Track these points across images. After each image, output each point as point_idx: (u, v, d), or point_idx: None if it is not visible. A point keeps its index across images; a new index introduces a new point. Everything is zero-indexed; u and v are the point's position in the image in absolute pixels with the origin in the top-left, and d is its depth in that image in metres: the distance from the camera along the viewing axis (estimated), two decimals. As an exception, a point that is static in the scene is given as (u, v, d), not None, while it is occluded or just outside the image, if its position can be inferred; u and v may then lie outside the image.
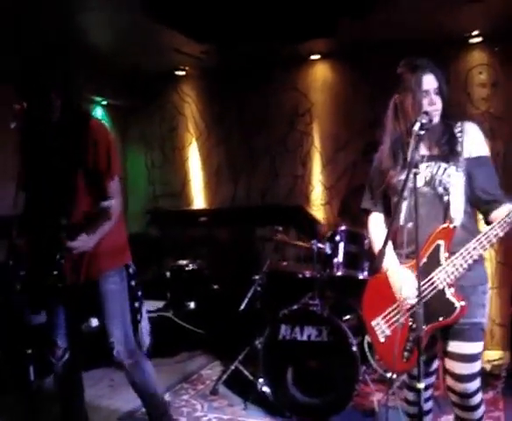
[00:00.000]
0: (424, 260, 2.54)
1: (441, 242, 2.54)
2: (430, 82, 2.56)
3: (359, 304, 2.94)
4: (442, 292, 2.53)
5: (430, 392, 2.86)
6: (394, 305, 2.67)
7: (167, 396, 4.31)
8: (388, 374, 4.06)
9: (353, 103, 5.83)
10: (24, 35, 4.54)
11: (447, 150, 2.60)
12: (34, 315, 3.56)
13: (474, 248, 2.46)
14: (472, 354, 2.59)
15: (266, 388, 4.07)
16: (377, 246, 2.73)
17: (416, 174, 2.30)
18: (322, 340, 3.89)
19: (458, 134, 2.61)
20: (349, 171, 5.92)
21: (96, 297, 3.09)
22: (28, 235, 3.01)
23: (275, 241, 4.74)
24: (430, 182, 2.61)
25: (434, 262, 2.55)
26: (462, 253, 2.48)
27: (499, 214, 2.47)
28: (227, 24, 4.78)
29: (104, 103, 6.59)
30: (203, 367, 5.16)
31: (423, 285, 2.49)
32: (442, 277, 2.53)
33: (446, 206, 2.58)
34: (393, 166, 2.71)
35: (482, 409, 2.66)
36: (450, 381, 2.63)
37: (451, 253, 2.52)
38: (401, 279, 2.58)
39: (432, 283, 2.54)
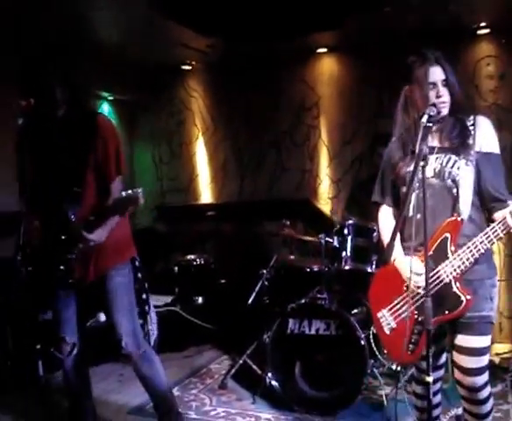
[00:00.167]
0: (431, 252, 2.53)
1: (448, 235, 2.53)
2: (437, 74, 2.55)
3: (367, 298, 2.94)
4: (448, 285, 2.53)
5: (438, 385, 2.87)
6: (400, 297, 2.67)
7: (175, 391, 4.33)
8: (393, 366, 4.07)
9: (360, 96, 5.80)
10: (25, 34, 4.55)
11: (458, 143, 2.59)
12: (42, 310, 3.58)
13: (481, 242, 2.45)
14: (481, 348, 2.58)
15: (274, 383, 4.07)
16: (386, 239, 2.73)
17: (423, 167, 2.30)
18: (330, 334, 3.89)
19: (471, 127, 2.60)
20: (356, 164, 5.90)
21: (104, 291, 3.11)
22: (36, 230, 3.02)
23: (283, 236, 4.74)
24: (439, 174, 2.60)
25: (441, 255, 2.54)
26: (469, 247, 2.47)
27: (503, 214, 2.44)
28: (233, 18, 4.77)
29: (111, 98, 6.60)
30: (212, 362, 5.17)
31: (430, 278, 2.49)
32: (448, 271, 2.52)
33: (455, 199, 2.57)
34: (402, 157, 2.70)
35: (491, 402, 2.65)
36: (458, 375, 2.63)
37: (459, 245, 2.52)
38: (410, 266, 2.57)
39: (439, 276, 2.53)
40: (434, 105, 2.47)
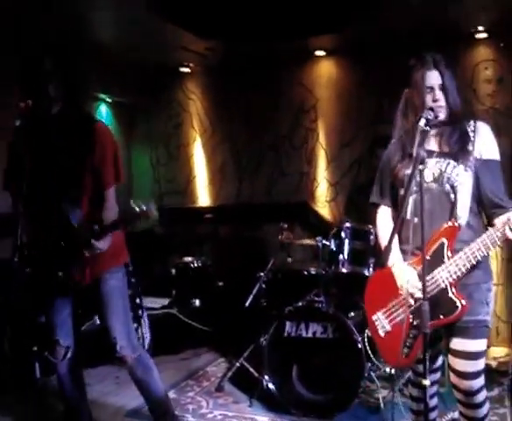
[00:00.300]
0: (428, 257, 2.53)
1: (445, 240, 2.54)
2: (434, 78, 2.56)
3: (364, 301, 2.94)
4: (444, 290, 2.53)
5: (434, 389, 2.86)
6: (396, 301, 2.67)
7: (172, 393, 4.33)
8: (388, 369, 4.07)
9: (358, 100, 5.81)
10: (25, 34, 4.55)
11: (457, 148, 2.59)
12: (39, 313, 3.57)
13: (478, 249, 2.45)
14: (476, 352, 2.58)
15: (271, 385, 4.06)
16: (384, 241, 2.73)
17: (421, 171, 2.30)
18: (327, 337, 3.89)
19: (471, 133, 2.60)
20: (354, 167, 5.91)
21: (99, 294, 3.10)
22: (33, 232, 3.02)
23: (280, 239, 4.74)
24: (438, 179, 2.61)
25: (438, 260, 2.55)
26: (466, 253, 2.47)
27: (503, 220, 2.43)
28: (231, 21, 4.77)
29: (109, 100, 6.60)
30: (209, 364, 5.16)
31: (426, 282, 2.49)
32: (444, 276, 2.52)
33: (453, 204, 2.57)
34: (401, 159, 2.71)
35: (487, 406, 2.66)
36: (454, 379, 2.63)
37: (456, 250, 2.52)
38: (406, 275, 2.58)
39: (435, 281, 2.54)
40: (431, 109, 2.47)
